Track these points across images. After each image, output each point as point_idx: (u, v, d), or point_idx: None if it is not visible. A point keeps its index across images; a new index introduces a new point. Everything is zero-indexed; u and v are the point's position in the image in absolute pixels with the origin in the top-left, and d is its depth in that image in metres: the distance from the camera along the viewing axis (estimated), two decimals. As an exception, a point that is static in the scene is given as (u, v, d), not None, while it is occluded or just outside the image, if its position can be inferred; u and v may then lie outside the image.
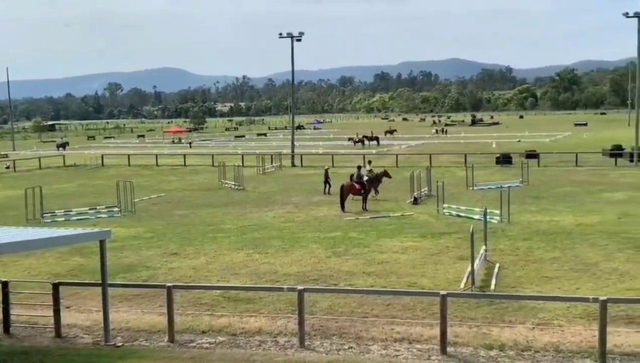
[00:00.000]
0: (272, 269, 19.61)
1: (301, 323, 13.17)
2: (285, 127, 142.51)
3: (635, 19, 52.39)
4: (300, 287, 13.62)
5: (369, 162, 37.21)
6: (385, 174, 35.20)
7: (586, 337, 13.00)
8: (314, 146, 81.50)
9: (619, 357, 12.13)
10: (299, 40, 59.58)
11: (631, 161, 50.99)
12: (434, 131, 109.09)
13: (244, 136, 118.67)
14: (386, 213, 29.72)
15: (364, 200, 31.44)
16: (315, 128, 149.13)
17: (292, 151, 61.69)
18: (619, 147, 56.02)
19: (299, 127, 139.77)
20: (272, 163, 56.07)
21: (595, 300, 12.31)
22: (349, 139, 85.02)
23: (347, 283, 17.76)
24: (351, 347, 13.09)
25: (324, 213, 30.26)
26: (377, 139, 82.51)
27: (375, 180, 34.14)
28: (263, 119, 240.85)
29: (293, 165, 57.95)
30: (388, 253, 21.40)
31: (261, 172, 51.35)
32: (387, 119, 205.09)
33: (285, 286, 15.49)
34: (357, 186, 31.70)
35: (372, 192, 33.69)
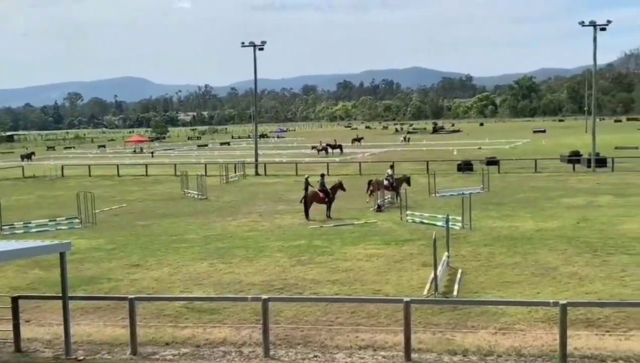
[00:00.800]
0: (236, 279, 19.51)
1: (266, 332, 13.12)
2: (249, 136, 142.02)
3: (591, 28, 53.66)
4: (264, 296, 13.58)
5: (391, 166, 37.85)
6: (406, 180, 36.55)
7: (547, 341, 13.21)
8: (278, 154, 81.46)
9: (579, 360, 12.34)
10: (262, 49, 59.60)
11: (588, 166, 52.10)
12: (401, 138, 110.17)
13: (206, 145, 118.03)
14: (350, 220, 29.84)
15: (328, 208, 31.49)
16: (278, 137, 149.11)
17: (256, 160, 61.53)
18: (576, 153, 57.24)
19: (263, 136, 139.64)
20: (235, 172, 55.88)
21: (556, 304, 12.53)
22: (313, 147, 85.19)
23: (311, 292, 17.76)
24: (316, 356, 13.08)
25: (289, 222, 30.24)
26: (340, 147, 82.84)
27: (399, 184, 35.42)
28: (226, 128, 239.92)
29: (257, 174, 57.80)
30: (352, 260, 21.47)
31: (225, 181, 51.08)
32: (350, 127, 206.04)
33: (249, 296, 15.43)
34: (321, 194, 31.75)
35: (396, 197, 34.80)
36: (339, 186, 33.09)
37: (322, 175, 34.03)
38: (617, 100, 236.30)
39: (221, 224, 30.09)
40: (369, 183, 35.43)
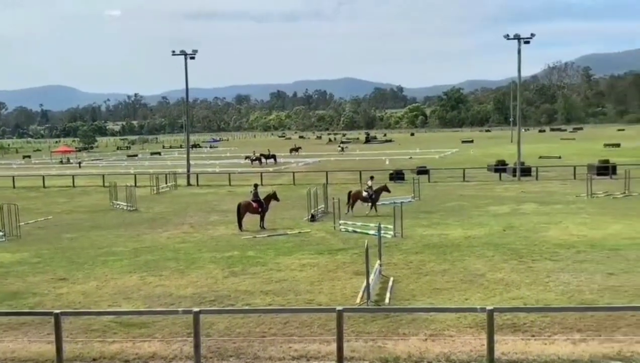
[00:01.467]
0: (167, 291, 19.16)
1: (197, 346, 12.91)
2: (180, 145, 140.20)
3: (516, 41, 55.51)
4: (196, 309, 13.37)
5: (371, 178, 37.64)
6: (385, 188, 36.62)
7: (475, 346, 13.51)
8: (211, 164, 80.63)
9: (506, 364, 12.67)
10: (193, 57, 59.01)
11: (514, 175, 53.75)
12: (339, 148, 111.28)
13: (136, 155, 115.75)
14: (283, 230, 29.80)
15: (262, 218, 31.37)
16: (211, 147, 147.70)
17: (188, 170, 60.73)
18: (502, 162, 59.04)
19: (195, 145, 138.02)
20: (166, 183, 55.01)
21: (483, 309, 12.82)
22: (246, 157, 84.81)
23: (244, 303, 17.62)
24: (249, 368, 12.98)
25: (221, 233, 29.96)
26: (274, 157, 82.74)
27: (377, 195, 35.59)
28: (157, 138, 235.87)
29: (189, 184, 57.06)
30: (286, 271, 21.43)
31: (155, 192, 50.19)
32: (284, 137, 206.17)
33: (180, 309, 15.18)
34: (254, 204, 31.60)
35: (371, 208, 34.78)
36: (273, 196, 33.03)
37: (256, 185, 33.89)
38: (541, 111, 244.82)
39: (151, 236, 29.53)
40: (349, 194, 35.75)
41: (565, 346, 13.43)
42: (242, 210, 31.01)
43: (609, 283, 18.53)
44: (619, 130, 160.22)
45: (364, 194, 35.27)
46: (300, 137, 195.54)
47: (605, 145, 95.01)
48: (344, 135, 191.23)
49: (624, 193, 40.05)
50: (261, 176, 55.62)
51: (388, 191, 36.71)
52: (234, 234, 29.43)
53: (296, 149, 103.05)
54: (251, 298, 18.10)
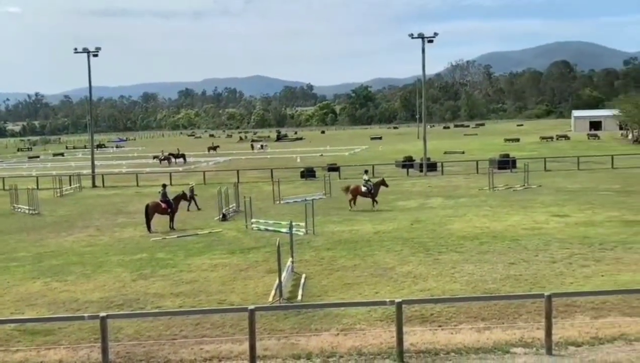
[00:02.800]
0: (73, 297, 18.53)
1: (105, 351, 12.58)
2: (85, 146, 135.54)
3: (420, 40, 57.00)
4: (102, 314, 13.01)
5: (366, 171, 37.11)
6: (383, 183, 36.02)
7: (386, 339, 13.81)
8: (117, 165, 78.48)
9: (415, 355, 13.01)
10: (96, 55, 57.22)
11: (421, 171, 55.25)
12: (259, 146, 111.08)
13: (38, 157, 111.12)
14: (194, 231, 29.42)
15: (171, 219, 30.83)
16: (117, 146, 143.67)
17: (93, 171, 58.92)
18: (410, 158, 60.59)
19: (100, 145, 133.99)
20: (70, 185, 53.14)
21: (392, 302, 13.14)
22: (154, 157, 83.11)
23: (154, 306, 17.28)
24: (160, 371, 12.75)
25: (129, 235, 29.24)
26: (183, 156, 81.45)
27: (376, 189, 35.05)
28: (60, 138, 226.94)
29: (94, 186, 55.33)
30: (197, 271, 21.18)
31: (59, 194, 48.37)
32: (194, 136, 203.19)
33: (86, 314, 14.70)
34: (163, 205, 31.02)
35: (373, 204, 34.52)
36: (182, 196, 32.56)
37: (164, 185, 33.28)
38: (446, 108, 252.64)
39: (55, 240, 28.47)
40: (347, 189, 35.35)
41: (470, 334, 13.94)
42: (150, 211, 30.37)
43: (510, 272, 19.39)
44: (518, 125, 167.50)
45: (363, 189, 34.92)
46: (211, 135, 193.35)
47: (506, 140, 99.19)
48: (255, 133, 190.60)
49: (523, 185, 41.95)
50: (170, 176, 54.66)
51: (386, 185, 36.39)
52: (142, 236, 28.78)
53: (214, 148, 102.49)
54: (161, 301, 17.78)
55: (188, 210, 35.96)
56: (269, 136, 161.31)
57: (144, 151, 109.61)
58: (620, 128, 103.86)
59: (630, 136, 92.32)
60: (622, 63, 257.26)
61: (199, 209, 36.34)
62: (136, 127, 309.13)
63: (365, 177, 35.99)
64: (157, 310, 16.57)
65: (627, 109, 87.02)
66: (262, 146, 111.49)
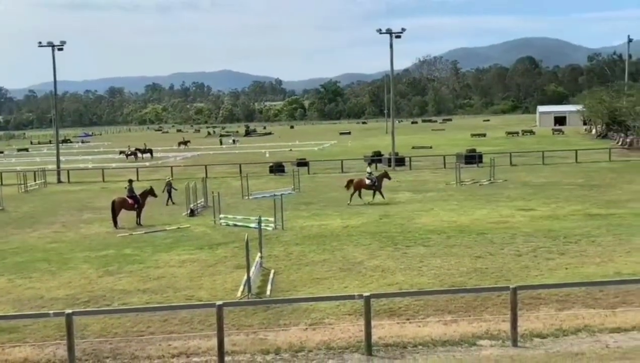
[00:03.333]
0: (38, 294, 18.26)
1: (71, 348, 12.43)
2: (50, 141, 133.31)
3: (388, 35, 57.24)
4: (68, 311, 12.86)
5: (369, 164, 36.79)
6: (386, 175, 35.87)
7: (354, 332, 13.88)
8: (83, 160, 77.41)
9: (383, 348, 13.12)
10: (61, 49, 56.35)
11: (389, 165, 55.51)
12: (231, 141, 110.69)
13: (2, 152, 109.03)
14: (162, 226, 29.18)
15: (138, 215, 30.53)
16: (83, 142, 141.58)
17: (58, 167, 58.00)
18: (378, 153, 60.86)
19: (65, 141, 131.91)
20: (35, 180, 52.24)
21: (360, 296, 13.22)
22: (121, 152, 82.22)
23: (121, 303, 17.13)
24: (127, 368, 12.65)
25: (96, 231, 28.89)
26: (150, 151, 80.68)
27: (380, 182, 34.79)
28: (24, 133, 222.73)
29: (59, 182, 54.50)
30: (164, 267, 21.03)
31: (23, 190, 47.56)
32: (161, 130, 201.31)
33: (52, 312, 14.50)
34: (130, 200, 30.70)
35: (373, 195, 34.41)
36: (150, 192, 32.25)
37: (130, 181, 32.94)
38: (413, 103, 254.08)
39: (20, 237, 28.00)
40: (350, 182, 35.09)
41: (438, 327, 14.10)
42: (117, 207, 30.04)
43: (476, 265, 19.63)
44: (484, 121, 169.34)
45: (367, 182, 34.73)
46: (178, 130, 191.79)
47: (472, 135, 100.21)
48: (223, 128, 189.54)
49: (490, 180, 42.47)
50: (137, 171, 54.11)
51: (389, 178, 36.46)
52: (108, 232, 28.46)
53: (185, 143, 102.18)
54: (128, 297, 17.62)
55: (167, 205, 35.81)
56: (237, 131, 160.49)
57: (110, 146, 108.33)
58: (584, 123, 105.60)
59: (593, 131, 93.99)
60: (587, 59, 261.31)
61: (173, 203, 36.03)
62: (102, 122, 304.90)
63: (369, 169, 36.41)
64: (124, 307, 16.41)
65: (590, 104, 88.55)
66: (234, 140, 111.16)
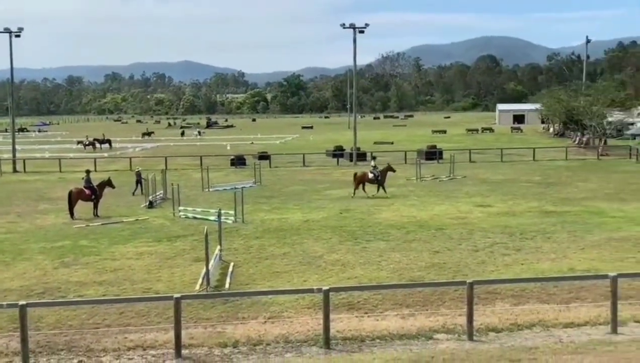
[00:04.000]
0: (-10, 285, 17.84)
1: (24, 340, 12.17)
2: (6, 129, 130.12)
3: (351, 30, 57.34)
4: (22, 302, 12.59)
5: (374, 158, 36.12)
6: (390, 168, 35.55)
7: (313, 326, 13.91)
8: (40, 150, 75.81)
9: (341, 342, 13.17)
10: (18, 36, 55.02)
11: (351, 160, 55.75)
12: (196, 132, 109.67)
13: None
14: (119, 218, 28.77)
15: (95, 206, 30.05)
16: (40, 131, 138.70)
17: (14, 156, 56.76)
18: (340, 148, 61.02)
19: (22, 129, 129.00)
20: (-11, 169, 50.98)
21: (319, 290, 13.24)
22: (79, 142, 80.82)
23: (76, 294, 16.84)
24: (81, 361, 12.45)
25: (51, 222, 28.34)
26: (109, 141, 79.49)
27: (384, 176, 34.34)
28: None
29: (15, 171, 53.34)
30: (121, 259, 20.75)
31: (-24, 179, 46.36)
32: (120, 121, 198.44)
33: (4, 303, 14.18)
34: (87, 191, 30.19)
35: (378, 190, 34.00)
36: (107, 183, 31.77)
37: (87, 171, 32.40)
38: (376, 99, 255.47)
39: (-28, 227, 27.28)
40: (355, 176, 34.66)
41: (395, 321, 14.22)
42: (73, 197, 29.51)
43: (434, 260, 19.85)
44: (445, 118, 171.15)
45: (370, 175, 34.37)
46: (138, 121, 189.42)
47: (433, 131, 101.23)
48: (184, 120, 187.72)
49: (449, 176, 42.95)
50: (95, 161, 53.26)
51: (393, 170, 36.25)
52: (65, 223, 27.95)
53: (148, 134, 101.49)
54: (84, 289, 17.34)
55: (134, 194, 35.36)
56: (198, 123, 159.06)
57: (68, 136, 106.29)
58: (542, 122, 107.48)
59: (551, 130, 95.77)
60: (546, 59, 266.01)
61: (142, 193, 35.25)
62: (60, 111, 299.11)
63: (373, 163, 36.21)
64: (79, 299, 16.15)
65: (549, 103, 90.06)
66: (199, 132, 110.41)
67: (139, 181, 36.44)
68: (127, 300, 15.27)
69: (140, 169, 39.75)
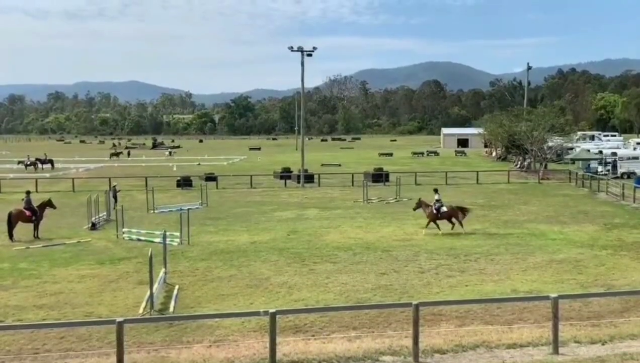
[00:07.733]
0: None
1: (-43, 369, 11.70)
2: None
3: (299, 53, 57.71)
4: (-45, 328, 12.11)
5: (436, 191, 30.78)
6: (462, 210, 30.12)
7: (259, 349, 13.76)
8: (-23, 169, 73.43)
9: (287, 364, 13.06)
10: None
11: (298, 182, 55.78)
12: (167, 153, 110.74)
13: None
14: (61, 240, 28.05)
15: (36, 227, 29.23)
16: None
17: (-51, 176, 54.73)
18: (287, 170, 61.02)
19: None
20: None
21: (266, 313, 13.13)
22: (20, 162, 78.71)
23: (15, 319, 16.31)
24: (19, 389, 12.02)
25: (-12, 244, 27.39)
26: (51, 162, 77.64)
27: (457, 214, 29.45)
28: None
29: (-50, 191, 51.35)
30: (63, 283, 20.20)
31: None
32: (63, 141, 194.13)
33: (-63, 330, 13.64)
34: (27, 212, 29.35)
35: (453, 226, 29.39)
36: (48, 203, 30.95)
37: (28, 192, 31.52)
38: (323, 121, 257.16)
39: None
40: (419, 202, 30.53)
41: (342, 343, 14.20)
42: (13, 219, 28.65)
43: (381, 282, 19.97)
44: (392, 141, 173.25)
45: (433, 209, 29.55)
46: (81, 141, 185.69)
47: (380, 154, 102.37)
48: (129, 140, 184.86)
49: (396, 198, 43.40)
50: (36, 182, 51.85)
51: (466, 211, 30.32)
52: (3, 245, 27.08)
53: (117, 154, 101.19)
54: (23, 313, 16.80)
55: (114, 208, 34.42)
56: (144, 144, 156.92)
57: (9, 156, 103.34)
58: (485, 146, 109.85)
59: (494, 154, 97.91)
60: (489, 84, 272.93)
61: (115, 208, 34.26)
62: (0, 131, 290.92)
63: (437, 197, 30.11)
64: (18, 323, 15.62)
65: (491, 128, 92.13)
66: (170, 152, 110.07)
67: (115, 196, 36.73)
68: (68, 324, 14.84)
69: (116, 184, 39.92)
